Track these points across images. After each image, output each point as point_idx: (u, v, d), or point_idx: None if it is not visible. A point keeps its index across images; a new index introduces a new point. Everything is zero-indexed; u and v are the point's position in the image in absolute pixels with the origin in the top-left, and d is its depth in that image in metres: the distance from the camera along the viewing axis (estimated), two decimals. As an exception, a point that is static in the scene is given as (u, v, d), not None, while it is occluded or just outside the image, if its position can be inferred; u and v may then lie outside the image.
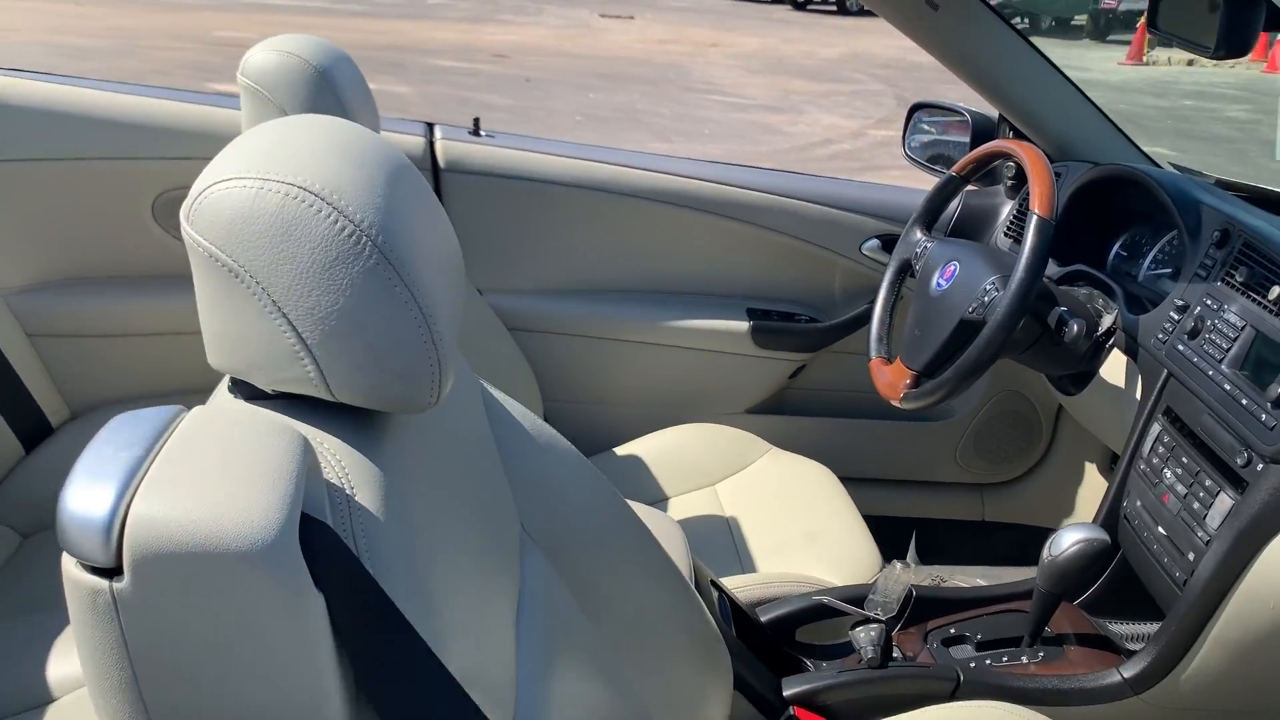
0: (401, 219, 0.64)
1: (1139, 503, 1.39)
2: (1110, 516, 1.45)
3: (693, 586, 1.23)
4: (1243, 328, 1.26)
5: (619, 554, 1.08)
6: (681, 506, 1.79)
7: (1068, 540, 1.29)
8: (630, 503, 1.36)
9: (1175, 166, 1.79)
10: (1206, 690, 1.24)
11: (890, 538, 2.01)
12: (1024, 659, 1.35)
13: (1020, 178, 1.96)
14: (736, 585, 1.48)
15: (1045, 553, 1.31)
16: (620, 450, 1.91)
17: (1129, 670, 1.27)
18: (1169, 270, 1.65)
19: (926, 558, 2.16)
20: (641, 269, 2.05)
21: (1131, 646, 1.41)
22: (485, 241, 1.96)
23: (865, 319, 2.05)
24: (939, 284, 1.60)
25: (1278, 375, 1.17)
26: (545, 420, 1.96)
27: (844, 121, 9.51)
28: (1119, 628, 1.46)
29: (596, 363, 2.05)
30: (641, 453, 1.90)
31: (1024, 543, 2.24)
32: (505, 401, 1.04)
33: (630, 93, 9.98)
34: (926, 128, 2.18)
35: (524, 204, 1.95)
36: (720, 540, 1.67)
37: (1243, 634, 1.19)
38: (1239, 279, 1.29)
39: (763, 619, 1.44)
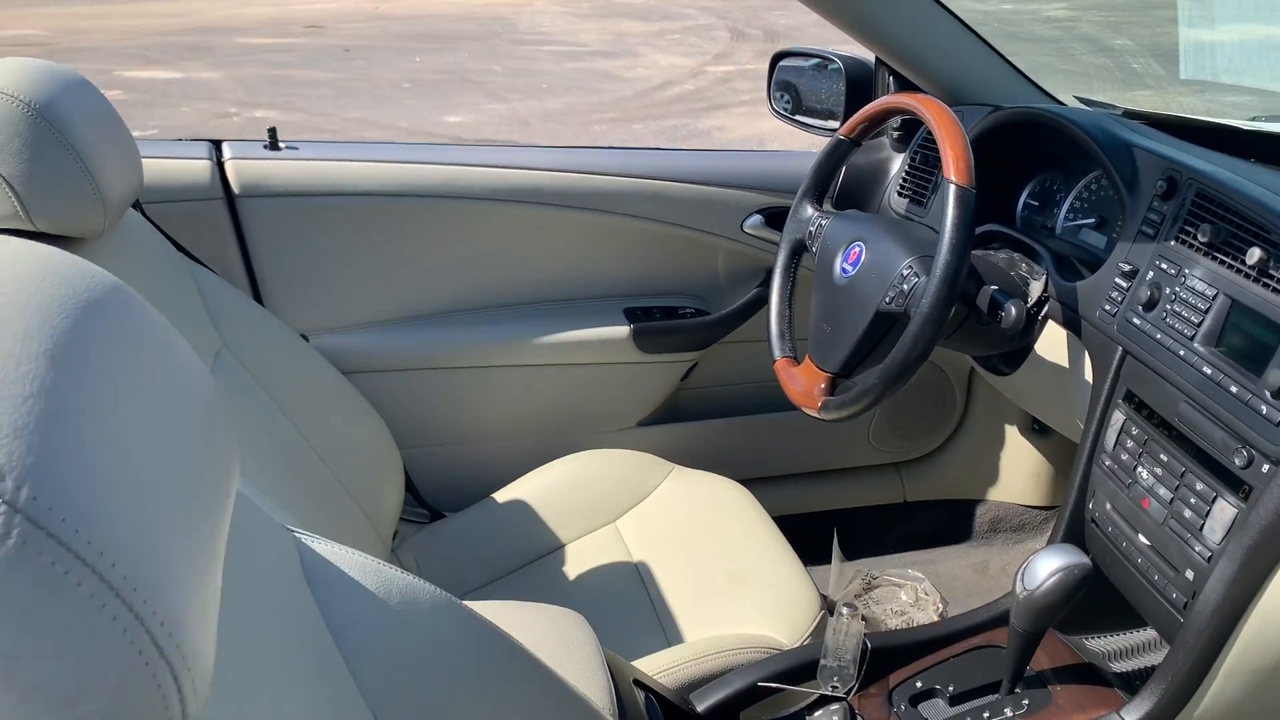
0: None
1: (1108, 505, 1.20)
2: (1074, 521, 1.26)
3: (611, 699, 0.99)
4: (1214, 297, 1.07)
5: None
6: (580, 553, 1.54)
7: (1044, 570, 1.09)
8: (524, 607, 1.11)
9: (1082, 101, 1.60)
10: (1223, 725, 1.07)
11: (812, 537, 1.82)
12: (1008, 711, 1.15)
13: (908, 128, 1.74)
14: (663, 668, 1.24)
15: (1018, 586, 1.10)
16: (501, 495, 1.64)
17: (1133, 713, 1.08)
18: (1091, 220, 1.47)
19: (852, 553, 1.98)
20: (495, 282, 1.76)
21: (1116, 667, 1.23)
22: (302, 275, 1.64)
23: (757, 305, 1.83)
24: (844, 270, 1.37)
25: (1273, 357, 0.97)
26: (407, 473, 1.68)
27: (681, 60, 9.28)
28: (1096, 644, 1.28)
29: (457, 397, 1.76)
30: (525, 494, 1.63)
31: (949, 520, 2.08)
32: (333, 554, 0.76)
33: (457, 52, 9.50)
34: (793, 79, 1.94)
35: (343, 225, 1.64)
36: (633, 602, 1.43)
37: (1259, 662, 1.01)
38: (1201, 238, 1.09)
39: (699, 708, 1.20)
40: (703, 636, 1.33)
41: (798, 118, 1.91)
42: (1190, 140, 1.35)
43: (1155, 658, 1.24)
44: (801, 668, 1.21)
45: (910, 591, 1.87)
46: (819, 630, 1.35)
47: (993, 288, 1.28)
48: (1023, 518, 2.06)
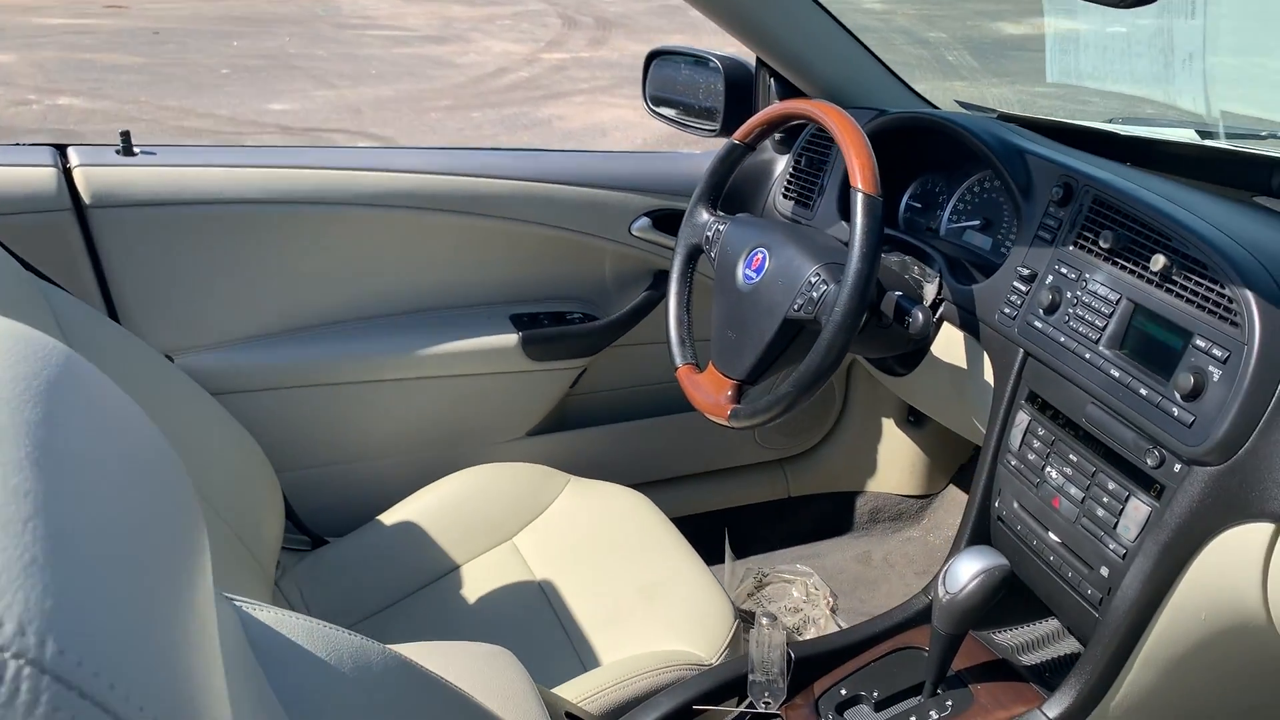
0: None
1: (1016, 504, 1.23)
2: (980, 519, 1.30)
3: None
4: (1117, 301, 1.11)
5: None
6: (478, 574, 1.48)
7: (965, 574, 1.11)
8: (454, 649, 1.05)
9: (962, 105, 1.64)
10: (1135, 714, 1.11)
11: (704, 538, 1.81)
12: (933, 714, 1.17)
13: (791, 130, 1.75)
14: (586, 695, 1.20)
15: (940, 590, 1.12)
16: (388, 517, 1.55)
17: (1054, 709, 1.12)
18: (975, 222, 1.51)
19: (742, 550, 1.99)
20: (373, 292, 1.67)
21: (1026, 660, 1.27)
22: (163, 291, 1.50)
23: (646, 308, 1.80)
24: (747, 276, 1.36)
25: (1180, 360, 1.02)
26: (286, 498, 1.57)
27: (514, 47, 9.15)
28: (1004, 638, 1.32)
29: (336, 415, 1.66)
30: (415, 514, 1.55)
31: (832, 512, 2.12)
32: (279, 622, 0.69)
33: (278, 36, 9.07)
34: (669, 79, 1.91)
35: (206, 235, 1.51)
36: (541, 624, 1.38)
37: (1172, 650, 1.06)
38: (1102, 245, 1.13)
39: (629, 734, 1.17)
40: (620, 658, 1.30)
41: (673, 116, 1.89)
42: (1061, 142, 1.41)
43: (1062, 649, 1.29)
44: (728, 684, 1.20)
45: (800, 587, 1.89)
46: (735, 641, 1.34)
47: (897, 294, 1.30)
48: (900, 507, 2.12)
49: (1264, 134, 1.53)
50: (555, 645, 1.35)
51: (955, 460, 2.11)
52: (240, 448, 1.45)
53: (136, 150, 1.45)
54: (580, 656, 1.33)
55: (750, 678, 1.18)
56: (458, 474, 1.59)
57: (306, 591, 1.47)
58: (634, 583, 1.42)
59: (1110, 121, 1.63)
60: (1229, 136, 1.51)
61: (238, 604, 0.68)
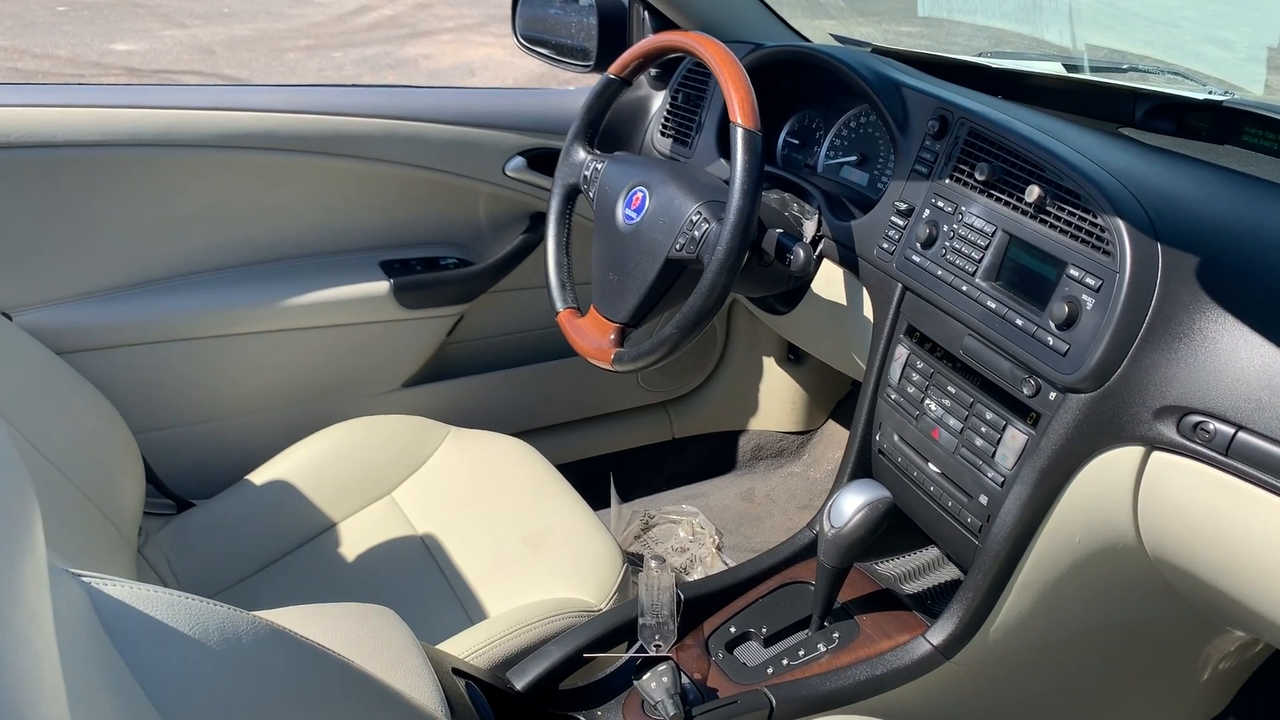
0: None
1: (896, 437, 1.25)
2: (862, 453, 1.31)
3: (440, 697, 0.92)
4: (993, 234, 1.11)
5: None
6: (356, 531, 1.43)
7: (849, 508, 1.11)
8: (332, 610, 1.00)
9: (836, 38, 1.63)
10: (1013, 635, 1.14)
11: (590, 483, 1.80)
12: (820, 647, 1.18)
13: (667, 65, 1.71)
14: (474, 649, 1.17)
15: (825, 524, 1.12)
16: (258, 476, 1.48)
17: (938, 636, 1.14)
18: (852, 158, 1.50)
19: (628, 494, 1.98)
20: (232, 240, 1.57)
21: (908, 589, 1.29)
22: (1, 243, 1.38)
23: (524, 252, 1.75)
24: (627, 216, 1.33)
25: (1054, 290, 1.03)
26: (146, 461, 1.48)
27: (377, -17, 8.79)
28: (887, 568, 1.34)
29: (198, 371, 1.57)
30: (286, 473, 1.48)
31: (715, 452, 2.13)
32: (134, 596, 0.63)
33: (119, -30, 8.48)
34: (539, 15, 1.85)
35: (42, 182, 1.39)
36: (424, 579, 1.34)
37: (1048, 573, 1.09)
38: (978, 177, 1.13)
39: (519, 686, 1.14)
40: (508, 609, 1.27)
41: (546, 53, 1.83)
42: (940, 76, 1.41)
43: (942, 576, 1.31)
44: (619, 629, 1.19)
45: (687, 527, 1.90)
46: (624, 586, 1.32)
47: (778, 231, 1.28)
48: (781, 444, 2.14)
49: (1125, 66, 1.56)
50: (440, 600, 1.32)
51: (834, 396, 2.14)
52: (92, 409, 1.36)
53: None
54: (466, 610, 1.29)
55: (640, 621, 1.17)
56: (331, 429, 1.52)
57: (173, 558, 1.39)
58: (519, 532, 1.39)
59: (979, 55, 1.64)
60: (1093, 70, 1.54)
61: (87, 580, 0.62)
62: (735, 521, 1.97)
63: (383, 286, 1.64)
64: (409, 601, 1.31)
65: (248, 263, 1.59)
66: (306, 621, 0.88)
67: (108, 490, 1.26)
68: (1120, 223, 0.97)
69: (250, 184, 1.54)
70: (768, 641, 1.20)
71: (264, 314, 1.58)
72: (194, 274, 1.56)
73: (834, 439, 2.12)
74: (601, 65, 1.70)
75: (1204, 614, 1.15)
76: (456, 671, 1.07)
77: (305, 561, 1.40)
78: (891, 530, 1.18)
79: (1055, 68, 1.50)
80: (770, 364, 2.06)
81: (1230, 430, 0.90)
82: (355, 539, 1.42)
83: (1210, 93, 1.32)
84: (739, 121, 1.18)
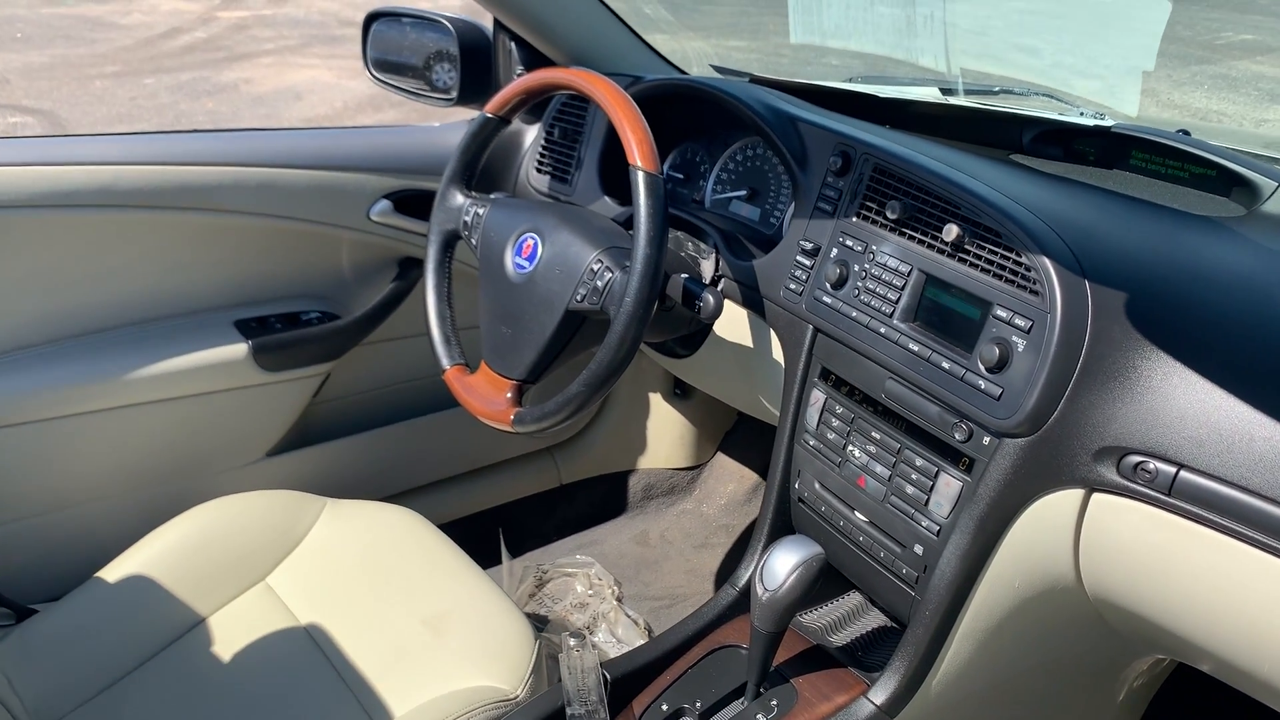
0: None
1: (818, 485, 1.20)
2: (781, 503, 1.25)
3: None
4: (909, 273, 1.08)
5: None
6: (229, 625, 1.28)
7: (782, 568, 1.05)
8: None
9: (717, 70, 1.58)
10: (953, 687, 1.11)
11: (477, 540, 1.69)
12: (759, 717, 1.11)
13: (543, 99, 1.62)
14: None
15: (758, 588, 1.06)
16: (110, 572, 1.31)
17: (880, 695, 1.09)
18: (741, 192, 1.46)
19: (518, 548, 1.88)
20: (65, 309, 1.39)
21: (836, 641, 1.24)
22: None
23: (394, 302, 1.64)
24: (519, 265, 1.24)
25: (981, 331, 1.00)
26: None
27: (186, 5, 8.37)
28: (812, 619, 1.28)
29: (33, 459, 1.38)
30: (143, 565, 1.31)
31: (606, 495, 2.05)
32: None
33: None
34: (394, 42, 1.73)
35: None
36: (312, 675, 1.20)
37: (988, 621, 1.06)
38: (889, 215, 1.09)
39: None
40: (415, 705, 1.15)
41: (402, 85, 1.71)
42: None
43: (869, 624, 1.27)
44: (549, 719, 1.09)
45: (583, 580, 1.81)
46: (539, 666, 1.23)
47: (683, 276, 1.22)
48: (672, 480, 2.08)
49: (997, 89, 1.57)
50: (334, 700, 1.18)
51: (721, 428, 2.10)
52: None
53: None
54: (366, 710, 1.17)
55: (568, 711, 1.08)
56: (191, 512, 1.36)
57: (15, 676, 1.21)
58: (416, 614, 1.27)
59: (850, 80, 1.62)
60: (967, 93, 1.54)
61: None
62: (633, 568, 1.89)
63: (240, 349, 1.49)
64: (297, 704, 1.17)
65: (85, 332, 1.42)
66: None
67: None
68: (1047, 262, 0.94)
69: (84, 246, 1.37)
70: (703, 716, 1.13)
71: (106, 389, 1.40)
72: (22, 349, 1.37)
73: (724, 472, 2.07)
74: (466, 98, 1.60)
75: (1132, 642, 1.14)
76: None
77: (173, 665, 1.24)
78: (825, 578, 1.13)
79: (932, 92, 1.49)
80: (656, 400, 2.00)
81: (1172, 470, 0.88)
82: (229, 635, 1.27)
83: (1088, 115, 1.33)
84: (639, 164, 1.11)
